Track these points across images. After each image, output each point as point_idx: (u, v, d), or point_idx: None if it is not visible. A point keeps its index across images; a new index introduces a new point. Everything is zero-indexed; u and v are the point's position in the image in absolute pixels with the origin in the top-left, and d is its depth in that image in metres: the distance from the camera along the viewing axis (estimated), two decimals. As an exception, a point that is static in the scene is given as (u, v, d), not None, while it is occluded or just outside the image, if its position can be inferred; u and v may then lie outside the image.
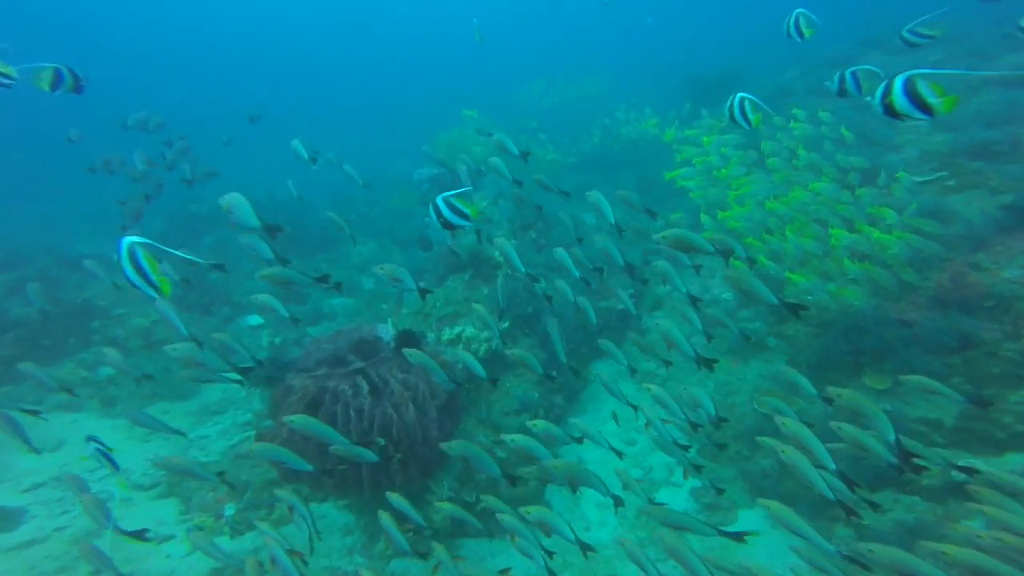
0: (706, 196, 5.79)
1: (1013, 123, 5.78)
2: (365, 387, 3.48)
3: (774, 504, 2.26)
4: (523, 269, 3.61)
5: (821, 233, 4.45)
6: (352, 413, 3.33)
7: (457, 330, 5.07)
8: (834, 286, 4.23)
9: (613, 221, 3.83)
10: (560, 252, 3.90)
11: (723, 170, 5.68)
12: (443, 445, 2.85)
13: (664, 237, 2.81)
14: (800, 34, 3.22)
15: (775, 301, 2.67)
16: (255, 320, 6.07)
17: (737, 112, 3.09)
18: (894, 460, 2.23)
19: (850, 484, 2.23)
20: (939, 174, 5.22)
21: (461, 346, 5.13)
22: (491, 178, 5.77)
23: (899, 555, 1.92)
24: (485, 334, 5.17)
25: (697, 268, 4.09)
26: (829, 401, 2.61)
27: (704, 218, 5.48)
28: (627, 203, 4.08)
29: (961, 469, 2.51)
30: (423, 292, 3.18)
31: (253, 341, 5.69)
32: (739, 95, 2.98)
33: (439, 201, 2.65)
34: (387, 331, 3.96)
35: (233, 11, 32.71)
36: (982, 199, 4.62)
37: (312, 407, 3.28)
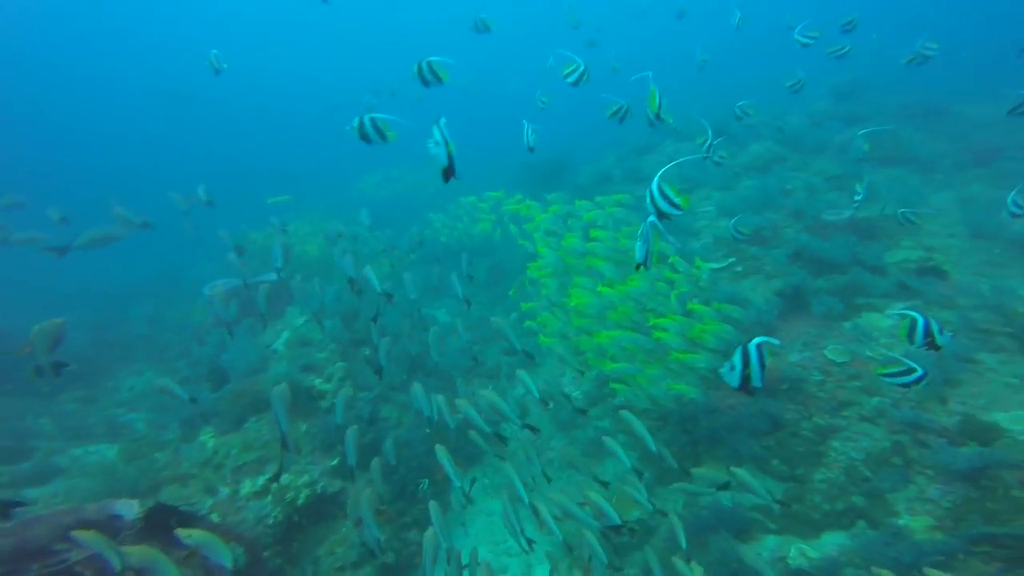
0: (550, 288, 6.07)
1: (770, 209, 7.32)
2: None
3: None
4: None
5: (643, 325, 4.90)
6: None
7: (263, 479, 4.17)
8: (668, 379, 4.60)
9: (520, 347, 4.19)
10: (416, 388, 3.85)
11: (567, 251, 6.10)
12: None
13: None
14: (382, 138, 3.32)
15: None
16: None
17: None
18: None
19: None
20: (730, 260, 6.30)
21: (270, 498, 4.23)
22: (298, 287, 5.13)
23: None
24: (305, 478, 4.38)
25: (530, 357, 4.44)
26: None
27: (544, 320, 5.67)
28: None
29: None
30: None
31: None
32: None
33: None
34: (129, 508, 3.00)
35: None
36: (763, 285, 5.63)
37: None
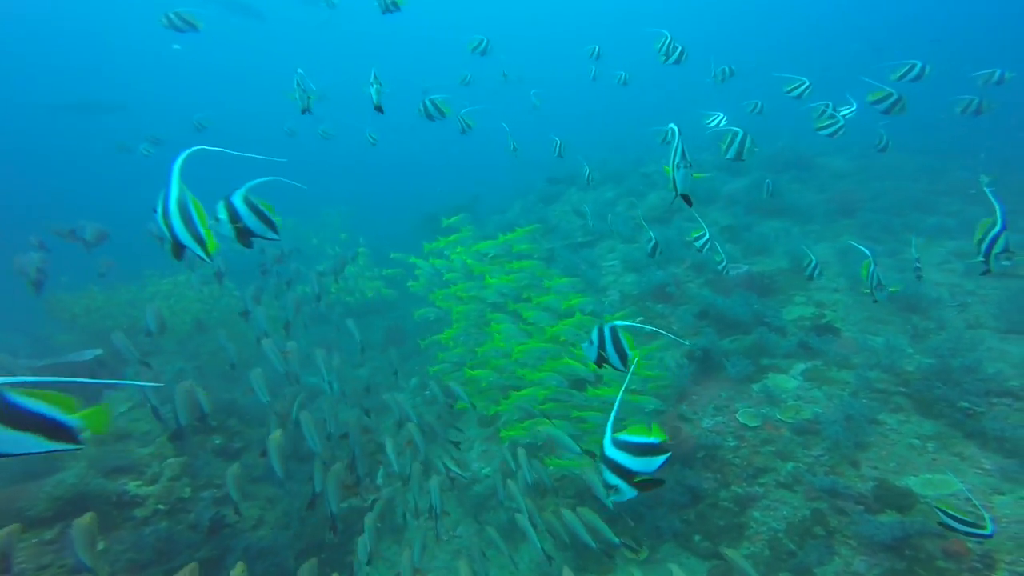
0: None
1: (672, 263, 7.56)
2: None
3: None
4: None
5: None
6: None
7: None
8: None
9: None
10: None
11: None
12: None
13: None
14: None
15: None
16: None
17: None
18: None
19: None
20: (638, 319, 6.27)
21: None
22: (131, 370, 4.16)
23: None
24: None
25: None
26: None
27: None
28: None
29: None
30: None
31: None
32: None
33: None
34: None
35: None
36: (673, 346, 5.59)
37: None
